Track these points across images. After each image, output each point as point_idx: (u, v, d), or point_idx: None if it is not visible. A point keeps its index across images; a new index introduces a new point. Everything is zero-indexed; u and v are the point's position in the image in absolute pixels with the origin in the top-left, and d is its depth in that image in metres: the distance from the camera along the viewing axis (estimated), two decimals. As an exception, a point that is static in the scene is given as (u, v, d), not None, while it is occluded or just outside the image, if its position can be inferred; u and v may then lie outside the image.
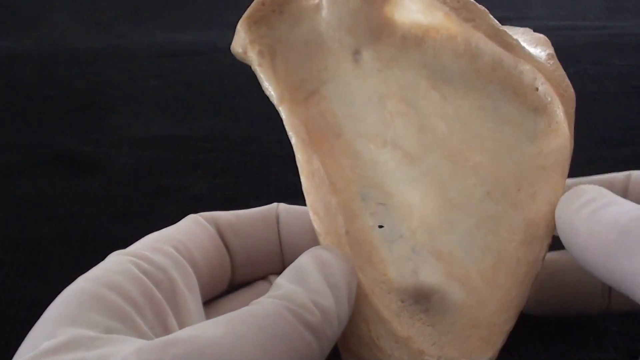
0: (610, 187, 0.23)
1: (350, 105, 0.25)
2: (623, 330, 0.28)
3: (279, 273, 0.21)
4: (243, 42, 0.24)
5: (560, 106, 0.24)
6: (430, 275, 0.22)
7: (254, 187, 0.37)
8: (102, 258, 0.21)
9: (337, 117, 0.25)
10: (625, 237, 0.19)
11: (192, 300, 0.21)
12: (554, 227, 0.23)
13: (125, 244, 0.22)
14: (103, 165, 0.39)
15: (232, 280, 0.24)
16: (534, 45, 0.25)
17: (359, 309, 0.21)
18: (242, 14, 0.24)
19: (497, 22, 0.24)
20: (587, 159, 0.38)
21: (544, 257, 0.23)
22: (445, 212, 0.23)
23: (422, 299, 0.22)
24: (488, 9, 0.24)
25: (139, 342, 0.17)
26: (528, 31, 0.26)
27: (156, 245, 0.21)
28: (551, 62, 0.25)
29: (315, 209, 0.22)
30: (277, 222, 0.25)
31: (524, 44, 0.25)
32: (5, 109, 0.44)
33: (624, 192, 0.24)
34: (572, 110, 0.25)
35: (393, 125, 0.25)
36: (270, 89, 0.24)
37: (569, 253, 0.21)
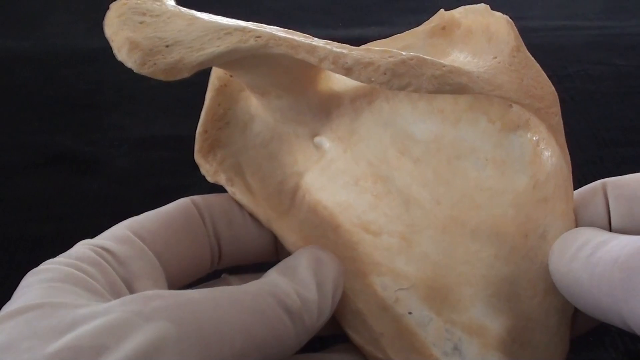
0: (594, 206, 0.21)
1: (334, 194, 0.23)
2: (623, 330, 0.27)
3: (270, 261, 0.23)
4: (208, 174, 0.24)
5: (541, 122, 0.21)
6: (469, 350, 0.22)
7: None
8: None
9: (328, 208, 0.23)
10: (629, 275, 0.17)
11: (156, 287, 0.21)
12: None
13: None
14: (103, 165, 0.39)
15: (219, 263, 0.24)
16: (487, 41, 0.21)
17: None
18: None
19: (436, 61, 0.19)
20: (587, 159, 0.38)
21: None
22: (460, 288, 0.22)
23: None
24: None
25: (120, 299, 0.17)
26: (483, 10, 0.22)
27: (123, 234, 0.21)
28: (515, 59, 0.21)
29: (349, 324, 0.22)
30: None
31: (474, 66, 0.20)
32: (5, 109, 0.44)
33: (606, 206, 0.21)
34: (557, 117, 0.21)
35: (380, 208, 0.23)
36: (254, 214, 0.23)
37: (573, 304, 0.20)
